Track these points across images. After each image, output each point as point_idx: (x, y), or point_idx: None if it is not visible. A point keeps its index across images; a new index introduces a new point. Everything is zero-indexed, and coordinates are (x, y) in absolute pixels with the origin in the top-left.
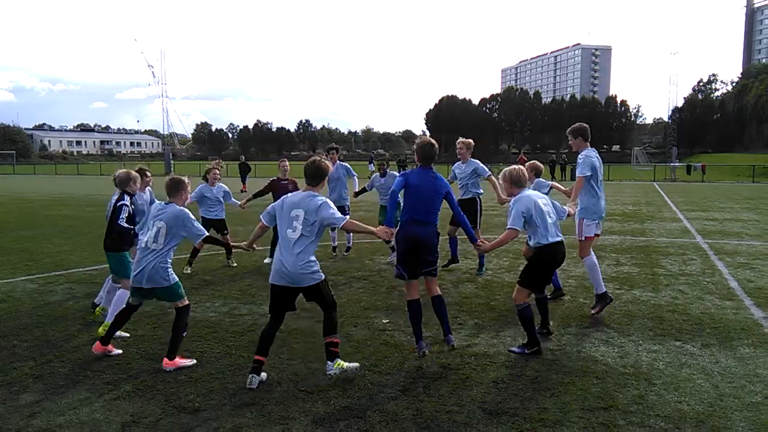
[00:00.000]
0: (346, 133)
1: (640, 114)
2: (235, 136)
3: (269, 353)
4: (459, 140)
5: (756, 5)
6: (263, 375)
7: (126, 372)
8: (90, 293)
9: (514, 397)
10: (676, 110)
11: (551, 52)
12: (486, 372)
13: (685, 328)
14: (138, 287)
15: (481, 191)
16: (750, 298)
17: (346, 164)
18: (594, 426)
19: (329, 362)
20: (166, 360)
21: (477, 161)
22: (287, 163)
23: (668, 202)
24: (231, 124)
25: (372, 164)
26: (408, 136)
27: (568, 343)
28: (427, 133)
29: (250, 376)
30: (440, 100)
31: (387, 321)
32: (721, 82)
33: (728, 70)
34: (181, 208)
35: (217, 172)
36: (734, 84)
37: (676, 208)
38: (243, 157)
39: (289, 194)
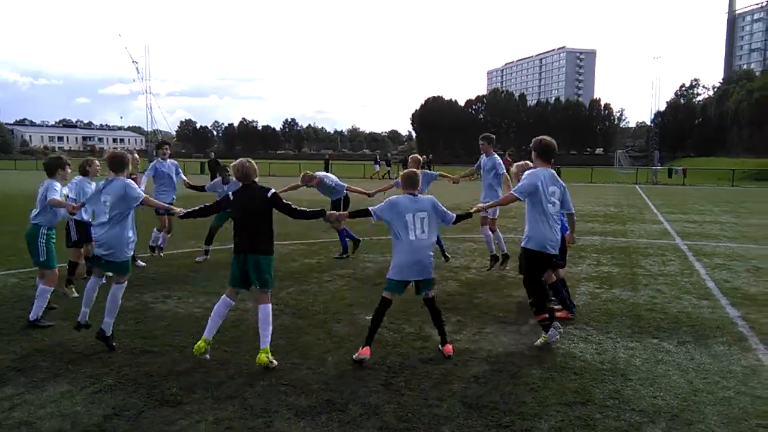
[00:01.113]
0: (332, 132)
1: (623, 117)
2: (220, 134)
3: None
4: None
5: (737, 12)
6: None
7: (108, 366)
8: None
9: (494, 391)
10: (658, 114)
11: (537, 55)
12: (467, 367)
13: (663, 326)
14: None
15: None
16: (726, 297)
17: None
18: (571, 419)
19: None
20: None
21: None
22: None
23: (649, 204)
24: (216, 121)
25: (378, 165)
26: (394, 136)
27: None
28: (413, 133)
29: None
30: (426, 101)
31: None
32: (703, 87)
33: (710, 76)
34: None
35: (97, 164)
36: (716, 89)
37: (656, 211)
38: (213, 154)
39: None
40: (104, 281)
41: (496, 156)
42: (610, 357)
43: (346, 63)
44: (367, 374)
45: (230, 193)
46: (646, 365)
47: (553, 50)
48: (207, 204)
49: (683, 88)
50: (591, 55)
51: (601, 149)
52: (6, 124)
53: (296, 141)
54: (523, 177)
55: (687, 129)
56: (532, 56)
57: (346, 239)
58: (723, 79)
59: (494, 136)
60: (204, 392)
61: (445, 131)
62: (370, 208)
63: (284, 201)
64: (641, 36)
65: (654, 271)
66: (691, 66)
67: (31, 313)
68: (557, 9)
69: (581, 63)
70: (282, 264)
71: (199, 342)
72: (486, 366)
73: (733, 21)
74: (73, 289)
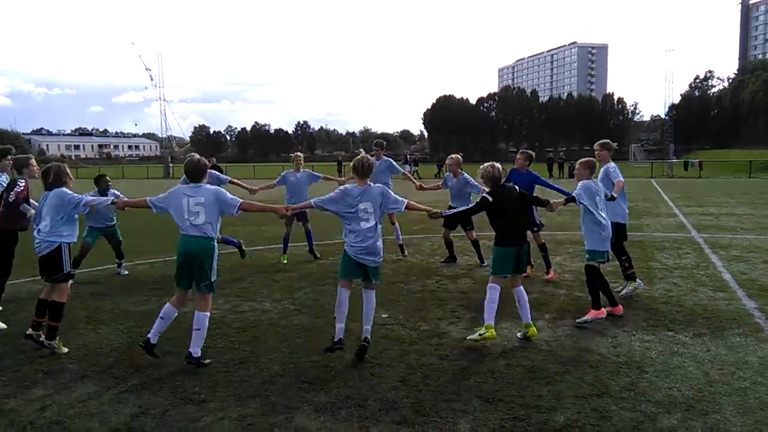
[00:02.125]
0: (344, 133)
1: (637, 111)
2: (234, 138)
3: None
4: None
5: (751, 1)
6: None
7: (133, 367)
8: (94, 293)
9: (510, 385)
10: (673, 107)
11: (548, 51)
12: (483, 362)
13: (678, 318)
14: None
15: None
16: (742, 289)
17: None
18: (587, 412)
19: None
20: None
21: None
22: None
23: (665, 198)
24: (229, 126)
25: (408, 165)
26: (406, 135)
27: (563, 335)
28: (425, 133)
29: None
30: (437, 100)
31: (386, 315)
32: (718, 78)
33: (724, 67)
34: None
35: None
36: (730, 80)
37: (672, 204)
38: (214, 159)
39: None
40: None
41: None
42: (626, 350)
43: (356, 64)
44: (385, 371)
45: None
46: (662, 357)
47: (565, 46)
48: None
49: (697, 80)
50: (603, 49)
51: (616, 144)
52: (23, 134)
53: (309, 143)
54: None
55: (702, 121)
56: (543, 52)
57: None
58: (738, 69)
59: (385, 143)
60: (226, 390)
61: (457, 130)
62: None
63: None
64: (654, 29)
65: (670, 264)
66: (706, 57)
67: None
68: (568, 4)
69: (593, 58)
70: (299, 266)
71: None
72: (502, 361)
73: (747, 11)
74: None
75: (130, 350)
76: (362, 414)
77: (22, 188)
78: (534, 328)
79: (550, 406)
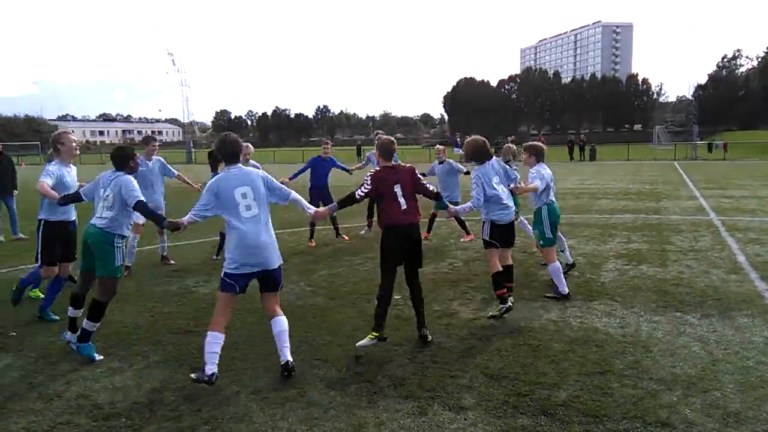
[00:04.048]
0: (364, 117)
1: (662, 92)
2: (254, 123)
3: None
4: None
5: None
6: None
7: (154, 344)
8: None
9: (515, 363)
10: (699, 87)
11: (571, 31)
12: (490, 342)
13: (688, 300)
14: None
15: None
16: (756, 271)
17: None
18: (589, 388)
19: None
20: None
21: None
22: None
23: (686, 180)
24: (250, 111)
25: (460, 147)
26: (426, 119)
27: (571, 315)
28: (446, 116)
29: None
30: (458, 82)
31: (398, 297)
32: (746, 57)
33: (753, 45)
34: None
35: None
36: (759, 59)
37: (693, 187)
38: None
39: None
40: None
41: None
42: (633, 330)
43: (376, 47)
44: (394, 350)
45: None
46: (668, 337)
47: (588, 25)
48: None
49: (725, 59)
50: (628, 28)
51: (640, 125)
52: (49, 120)
53: (329, 128)
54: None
55: (729, 102)
56: (566, 32)
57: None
58: (767, 48)
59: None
60: (243, 366)
61: (478, 112)
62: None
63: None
64: (680, 6)
65: (684, 247)
66: (734, 36)
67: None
68: None
69: (617, 37)
70: (316, 249)
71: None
72: (508, 340)
73: None
74: None
75: (152, 328)
76: (371, 389)
77: None
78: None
79: (554, 382)
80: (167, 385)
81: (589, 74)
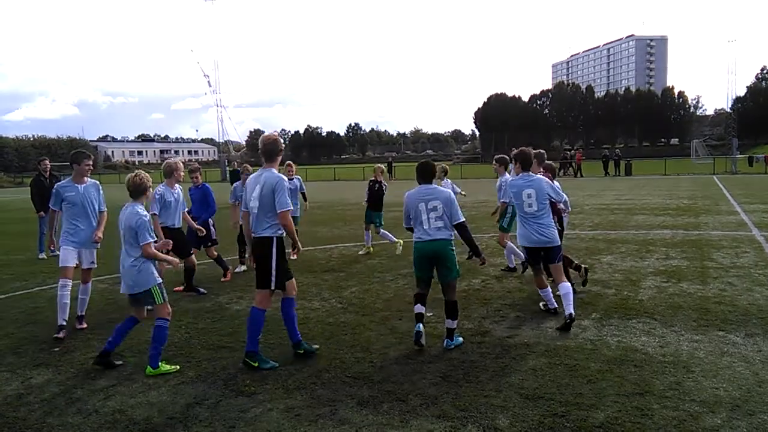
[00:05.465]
0: (395, 134)
1: (700, 105)
2: (287, 142)
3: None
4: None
5: None
6: None
7: (189, 361)
8: None
9: (551, 383)
10: (737, 100)
11: (604, 45)
12: (525, 360)
13: (730, 318)
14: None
15: None
16: None
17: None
18: (627, 410)
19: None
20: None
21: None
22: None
23: (726, 195)
24: (282, 129)
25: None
26: (457, 135)
27: (608, 334)
28: (477, 132)
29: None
30: (489, 98)
31: (431, 314)
32: None
33: None
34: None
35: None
36: None
37: (734, 201)
38: (235, 163)
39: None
40: None
41: None
42: (673, 350)
43: (407, 64)
44: (426, 368)
45: None
46: (710, 357)
47: (621, 39)
48: None
49: (764, 71)
50: (662, 41)
51: (677, 139)
52: (90, 141)
53: (360, 145)
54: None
55: None
56: (599, 46)
57: None
58: None
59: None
60: (275, 384)
61: (510, 128)
62: None
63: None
64: (716, 18)
65: (726, 263)
66: None
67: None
68: None
69: (652, 51)
70: (347, 265)
71: None
72: (544, 359)
73: None
74: None
75: (187, 345)
76: (403, 408)
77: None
78: None
79: (591, 403)
80: (201, 400)
81: (623, 88)
